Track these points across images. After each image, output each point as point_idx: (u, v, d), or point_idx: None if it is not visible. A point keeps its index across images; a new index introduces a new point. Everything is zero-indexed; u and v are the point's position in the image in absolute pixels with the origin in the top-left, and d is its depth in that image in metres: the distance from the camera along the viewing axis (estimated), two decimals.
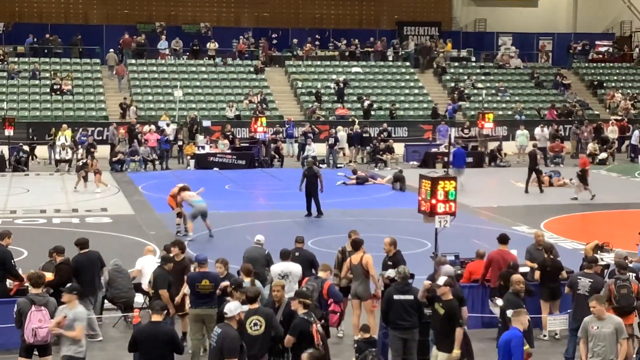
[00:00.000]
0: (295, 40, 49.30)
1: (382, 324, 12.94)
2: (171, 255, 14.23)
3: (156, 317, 10.81)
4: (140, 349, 10.76)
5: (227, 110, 41.47)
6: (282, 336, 11.06)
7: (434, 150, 37.09)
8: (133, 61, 45.31)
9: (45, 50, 45.62)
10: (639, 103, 47.12)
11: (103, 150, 35.32)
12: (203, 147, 36.75)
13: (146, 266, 15.24)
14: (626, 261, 14.35)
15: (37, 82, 42.43)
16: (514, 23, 54.47)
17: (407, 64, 48.69)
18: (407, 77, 47.38)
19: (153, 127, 37.36)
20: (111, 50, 45.25)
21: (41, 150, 36.81)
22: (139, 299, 15.50)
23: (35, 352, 11.76)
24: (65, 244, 15.20)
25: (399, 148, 38.02)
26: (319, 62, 47.89)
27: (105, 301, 15.38)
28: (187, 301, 13.54)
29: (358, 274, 14.17)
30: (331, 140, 36.81)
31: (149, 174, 34.30)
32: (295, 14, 52.61)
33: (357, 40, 49.61)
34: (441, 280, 11.91)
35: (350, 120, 40.92)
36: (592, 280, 13.24)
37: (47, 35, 46.33)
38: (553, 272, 14.39)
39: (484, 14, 55.49)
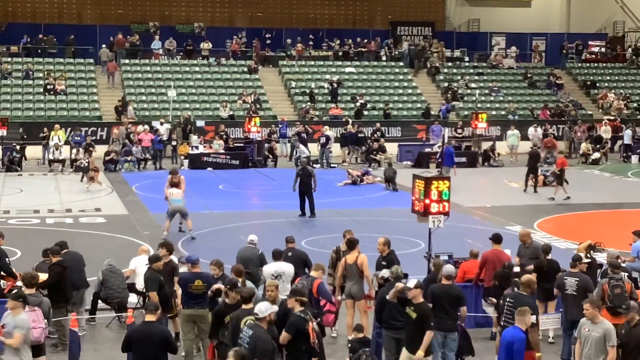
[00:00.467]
0: (289, 40, 49.31)
1: (375, 324, 12.96)
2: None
3: (150, 317, 10.81)
4: (134, 349, 10.75)
5: (220, 111, 41.47)
6: (276, 337, 11.05)
7: (427, 150, 37.13)
8: (127, 61, 45.28)
9: (39, 50, 45.56)
10: (632, 103, 47.26)
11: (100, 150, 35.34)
12: (197, 147, 36.75)
13: (140, 266, 15.22)
14: (619, 260, 14.38)
15: (30, 82, 42.36)
16: (508, 23, 54.56)
17: (401, 64, 48.74)
18: (401, 77, 47.43)
19: (147, 127, 37.36)
20: (104, 45, 45.25)
21: (33, 151, 36.70)
22: (132, 299, 15.51)
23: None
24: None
25: (393, 148, 38.08)
26: (312, 62, 47.92)
27: (99, 301, 15.38)
28: (179, 302, 13.55)
29: (352, 274, 14.19)
30: (322, 140, 36.85)
31: (142, 174, 34.28)
32: (289, 14, 52.62)
33: (350, 40, 49.66)
34: (412, 282, 11.79)
35: (343, 120, 40.98)
36: (578, 279, 13.29)
37: (41, 36, 46.28)
38: (549, 273, 14.39)
39: (477, 14, 55.56)
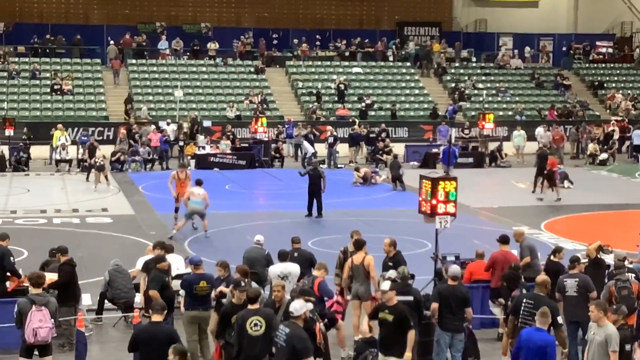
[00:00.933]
0: (295, 41, 49.30)
1: None
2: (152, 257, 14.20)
3: (156, 317, 10.80)
4: (140, 349, 10.75)
5: (227, 111, 41.49)
6: (313, 334, 11.00)
7: (434, 150, 37.07)
8: (134, 61, 45.34)
9: (47, 50, 45.63)
10: None
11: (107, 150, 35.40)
12: (203, 148, 36.76)
13: (143, 265, 15.20)
14: (626, 262, 14.32)
15: (37, 82, 42.44)
16: (515, 23, 54.45)
17: (408, 64, 48.70)
18: (408, 77, 47.39)
19: (153, 126, 37.41)
20: (112, 42, 45.35)
21: (40, 151, 36.73)
22: (139, 299, 15.49)
23: (36, 352, 11.76)
24: (66, 245, 15.16)
25: (400, 148, 38.04)
26: (319, 63, 47.92)
27: (106, 301, 15.38)
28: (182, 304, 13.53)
29: (359, 275, 14.17)
30: (330, 140, 36.87)
31: (149, 174, 34.30)
32: (295, 14, 52.60)
33: (357, 41, 49.63)
34: (385, 285, 11.58)
35: (350, 120, 40.97)
36: (577, 280, 13.21)
37: (48, 36, 46.36)
38: (552, 275, 14.31)
39: (484, 15, 55.45)
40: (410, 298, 12.30)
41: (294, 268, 14.12)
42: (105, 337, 14.66)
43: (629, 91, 48.18)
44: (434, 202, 14.70)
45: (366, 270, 14.11)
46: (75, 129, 37.66)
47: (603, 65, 51.79)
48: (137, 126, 37.59)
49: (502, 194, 30.66)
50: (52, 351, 11.91)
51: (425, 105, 44.64)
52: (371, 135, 38.45)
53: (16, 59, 44.37)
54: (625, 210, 27.39)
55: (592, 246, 15.02)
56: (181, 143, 37.30)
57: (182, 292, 13.48)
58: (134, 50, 46.29)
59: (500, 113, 43.69)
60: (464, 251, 16.57)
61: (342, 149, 38.26)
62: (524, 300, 12.13)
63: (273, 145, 37.42)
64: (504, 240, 15.01)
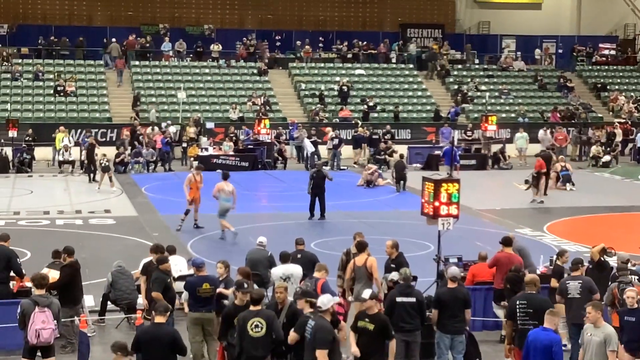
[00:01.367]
0: (298, 42, 49.33)
1: None
2: (151, 259, 14.20)
3: (159, 319, 10.82)
4: (143, 350, 10.76)
5: (230, 112, 41.51)
6: (282, 340, 11.06)
7: (437, 152, 37.07)
8: (137, 63, 45.38)
9: (53, 53, 45.69)
10: None
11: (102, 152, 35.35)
12: (206, 149, 36.78)
13: (142, 267, 15.21)
14: (629, 264, 14.31)
15: (40, 83, 42.48)
16: (518, 25, 54.42)
17: (411, 66, 48.71)
18: (411, 79, 47.40)
19: (157, 128, 37.45)
20: (114, 40, 45.44)
21: (43, 152, 36.77)
22: (141, 300, 15.49)
23: (39, 354, 11.77)
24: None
25: (402, 150, 37.96)
26: (322, 64, 47.94)
27: (108, 302, 15.39)
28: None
29: (362, 276, 14.18)
30: (335, 142, 36.90)
31: (152, 175, 34.34)
32: (298, 16, 52.63)
33: (360, 42, 49.65)
34: (366, 293, 11.46)
35: (353, 122, 40.99)
36: (581, 282, 13.15)
37: (52, 37, 46.42)
38: (559, 279, 14.30)
39: (487, 17, 55.42)
40: (413, 300, 12.31)
41: (295, 270, 14.13)
42: (108, 338, 14.65)
43: (632, 93, 48.14)
44: (436, 204, 14.68)
45: (369, 272, 14.12)
46: (79, 131, 37.67)
47: (606, 67, 51.76)
48: (142, 127, 37.62)
49: (505, 196, 30.64)
50: (55, 352, 11.91)
51: (428, 107, 44.64)
52: (373, 137, 38.47)
53: (19, 61, 44.41)
54: (628, 213, 27.39)
55: (596, 249, 14.99)
56: (184, 145, 37.33)
57: (184, 294, 13.49)
58: (137, 51, 46.33)
59: (503, 115, 43.67)
60: (466, 253, 16.59)
61: (346, 151, 38.30)
62: (517, 302, 12.16)
63: (276, 147, 37.44)
64: (506, 242, 15.00)
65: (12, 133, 35.19)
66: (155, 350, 10.60)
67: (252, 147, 37.39)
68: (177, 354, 10.81)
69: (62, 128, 36.05)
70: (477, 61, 50.64)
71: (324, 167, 26.60)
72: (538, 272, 15.63)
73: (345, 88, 44.15)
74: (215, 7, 52.00)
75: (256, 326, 10.93)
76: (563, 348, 14.02)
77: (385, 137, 38.67)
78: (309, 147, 36.57)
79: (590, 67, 51.48)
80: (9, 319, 12.90)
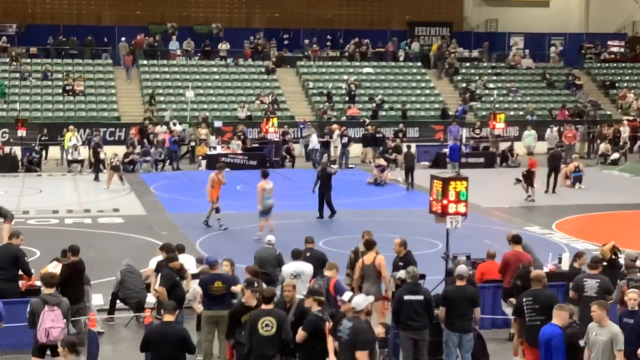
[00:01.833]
0: (306, 41, 49.33)
1: (393, 325, 12.95)
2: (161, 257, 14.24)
3: (168, 317, 10.85)
4: (152, 349, 10.79)
5: (238, 111, 41.55)
6: (291, 341, 11.05)
7: (445, 150, 37.02)
8: (145, 62, 45.45)
9: (62, 52, 45.78)
10: None
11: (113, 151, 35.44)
12: (214, 148, 36.81)
13: (155, 265, 15.24)
14: (637, 261, 14.25)
15: (49, 83, 42.58)
16: (526, 23, 54.33)
17: (419, 64, 48.66)
18: (419, 77, 47.37)
19: (165, 127, 37.51)
20: (123, 38, 45.53)
21: (51, 151, 36.90)
22: (150, 299, 15.53)
23: (48, 352, 11.82)
24: (78, 245, 15.19)
25: (410, 148, 37.93)
26: (330, 63, 47.95)
27: (117, 301, 15.43)
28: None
29: (370, 275, 14.19)
30: (344, 140, 36.89)
31: (160, 174, 34.41)
32: (306, 15, 52.61)
33: (368, 41, 49.63)
34: (346, 296, 11.12)
35: (361, 120, 40.99)
36: (599, 281, 12.95)
37: (61, 37, 46.52)
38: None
39: (495, 14, 55.37)
40: (421, 298, 12.30)
41: (306, 267, 14.14)
42: (117, 337, 14.72)
43: None
44: (445, 202, 14.68)
45: (377, 271, 14.13)
46: (87, 130, 37.76)
47: (614, 64, 51.62)
48: (152, 126, 37.69)
49: (513, 194, 30.57)
50: None
51: (436, 106, 44.61)
52: (377, 136, 38.33)
53: (28, 60, 44.54)
54: (637, 210, 27.30)
55: (607, 247, 14.91)
56: (192, 144, 37.38)
57: (190, 293, 13.49)
58: (146, 50, 46.40)
59: (511, 113, 43.62)
60: (475, 251, 16.56)
61: (355, 149, 38.28)
62: (524, 299, 12.14)
63: (284, 146, 37.46)
64: (516, 240, 14.96)
65: (21, 132, 35.27)
66: (164, 349, 10.62)
67: (259, 145, 37.45)
68: (187, 352, 10.83)
69: (71, 127, 36.14)
70: (484, 59, 50.56)
71: (329, 165, 26.58)
72: (546, 269, 15.61)
73: (353, 86, 44.14)
74: (223, 6, 52.06)
75: (267, 325, 10.93)
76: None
77: (399, 134, 38.68)
78: (314, 145, 36.62)
79: (598, 65, 51.37)
80: (18, 317, 12.94)
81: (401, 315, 12.27)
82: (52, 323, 11.51)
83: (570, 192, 30.49)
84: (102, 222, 24.55)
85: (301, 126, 39.85)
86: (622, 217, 26.28)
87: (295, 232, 21.51)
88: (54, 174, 34.38)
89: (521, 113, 44.38)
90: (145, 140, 36.60)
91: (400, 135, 38.76)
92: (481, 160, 37.14)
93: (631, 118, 43.80)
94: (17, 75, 42.75)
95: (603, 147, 39.39)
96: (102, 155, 33.01)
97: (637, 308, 11.32)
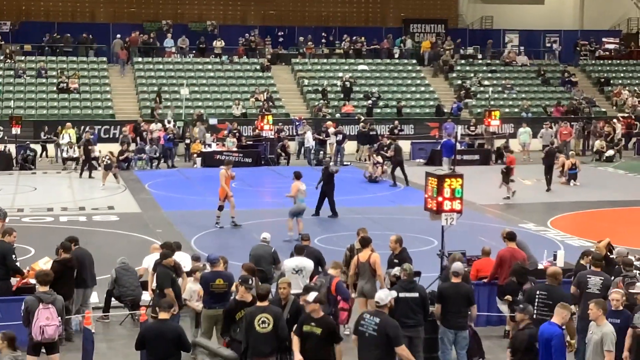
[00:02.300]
0: (301, 38, 49.31)
1: None
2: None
3: (163, 315, 10.84)
4: (147, 346, 10.78)
5: (233, 108, 41.52)
6: (287, 338, 11.03)
7: (440, 147, 36.99)
8: (139, 59, 45.39)
9: (57, 50, 45.71)
10: None
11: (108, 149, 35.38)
12: (209, 145, 36.78)
13: (153, 264, 15.24)
14: (632, 258, 14.28)
15: (44, 80, 42.52)
16: (521, 20, 54.37)
17: (414, 61, 48.68)
18: (414, 74, 47.37)
19: (160, 124, 37.45)
20: (118, 35, 45.50)
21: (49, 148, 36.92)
22: (146, 296, 15.52)
23: (43, 350, 11.80)
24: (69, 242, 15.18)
25: (405, 146, 37.95)
26: (325, 60, 47.94)
27: (113, 299, 15.41)
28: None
29: (365, 272, 14.19)
30: (339, 137, 36.87)
31: (155, 172, 34.37)
32: (301, 12, 52.60)
33: (363, 38, 49.61)
34: (310, 296, 10.82)
35: (356, 117, 40.97)
36: (602, 278, 12.90)
37: (55, 34, 46.45)
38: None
39: (490, 12, 55.38)
40: (416, 295, 12.30)
41: (308, 263, 14.16)
42: (113, 334, 14.70)
43: (636, 87, 48.06)
44: (440, 199, 14.69)
45: (372, 268, 14.13)
46: (82, 128, 37.69)
47: (609, 61, 51.71)
48: (145, 124, 37.64)
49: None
50: (59, 349, 11.93)
51: (431, 103, 44.61)
52: (371, 133, 38.27)
53: (23, 58, 44.45)
54: (631, 207, 27.35)
55: (602, 244, 14.93)
56: (187, 141, 37.34)
57: (187, 291, 13.48)
58: (140, 48, 46.34)
59: (506, 110, 43.65)
60: (470, 248, 16.57)
61: (350, 147, 38.26)
62: (538, 292, 12.10)
63: (279, 143, 37.43)
64: (510, 237, 14.97)
65: (16, 130, 35.23)
66: (159, 347, 10.61)
67: (254, 142, 37.42)
68: (182, 350, 10.82)
69: (68, 124, 36.06)
70: (479, 56, 50.57)
71: (331, 165, 26.56)
72: (540, 266, 15.64)
73: (348, 84, 44.12)
74: (217, 3, 52.01)
75: (263, 322, 10.92)
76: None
77: (394, 132, 38.70)
78: (308, 142, 36.61)
79: (593, 62, 51.43)
80: (12, 316, 12.91)
81: (397, 313, 12.25)
82: (47, 321, 11.50)
83: (565, 189, 30.51)
84: (96, 219, 24.51)
85: (296, 123, 39.82)
86: (617, 214, 26.32)
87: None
88: (49, 171, 34.33)
89: (516, 110, 44.42)
90: (138, 138, 36.53)
91: (396, 132, 38.72)
92: (476, 157, 37.16)
93: (626, 115, 43.86)
94: (12, 72, 42.67)
95: (598, 144, 39.43)
96: (96, 153, 32.89)
97: (621, 308, 11.33)
